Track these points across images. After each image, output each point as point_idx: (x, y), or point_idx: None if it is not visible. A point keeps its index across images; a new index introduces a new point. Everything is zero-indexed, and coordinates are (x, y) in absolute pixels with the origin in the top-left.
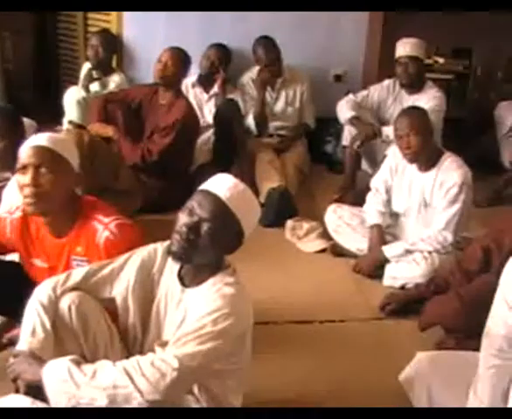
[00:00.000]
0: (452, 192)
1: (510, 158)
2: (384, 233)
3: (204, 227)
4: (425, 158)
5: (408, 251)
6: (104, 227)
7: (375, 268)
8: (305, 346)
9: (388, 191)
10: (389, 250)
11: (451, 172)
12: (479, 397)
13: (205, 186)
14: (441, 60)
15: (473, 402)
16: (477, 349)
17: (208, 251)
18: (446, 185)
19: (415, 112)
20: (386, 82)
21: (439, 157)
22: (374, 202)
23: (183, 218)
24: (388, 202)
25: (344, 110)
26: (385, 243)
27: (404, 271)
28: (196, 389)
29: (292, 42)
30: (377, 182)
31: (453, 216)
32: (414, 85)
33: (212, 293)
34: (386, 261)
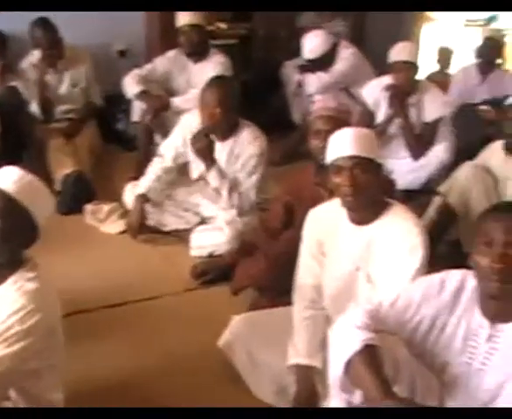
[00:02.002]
0: (250, 164)
1: (299, 115)
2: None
3: None
4: (224, 129)
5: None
6: None
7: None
8: (123, 328)
9: (175, 159)
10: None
11: (248, 144)
12: (296, 349)
13: None
14: (223, 25)
15: (291, 355)
16: (290, 304)
17: (2, 250)
18: (243, 156)
19: (221, 84)
20: (171, 53)
21: (235, 127)
22: (152, 170)
23: None
24: (172, 169)
25: (131, 85)
26: (145, 215)
27: (209, 239)
28: (13, 393)
29: (69, 20)
30: (165, 148)
31: (253, 186)
32: (198, 53)
33: (14, 292)
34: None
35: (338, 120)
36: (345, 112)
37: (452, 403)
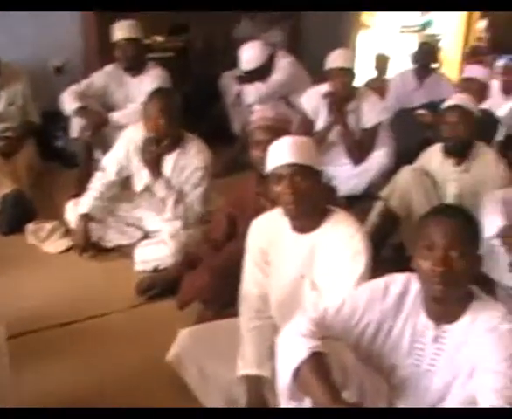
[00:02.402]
0: (195, 176)
1: (239, 126)
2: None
3: None
4: (170, 140)
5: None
6: None
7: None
8: (70, 347)
9: (119, 172)
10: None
11: (193, 156)
12: (245, 360)
13: None
14: (160, 38)
15: (240, 366)
16: (236, 315)
17: None
18: (188, 169)
19: (163, 95)
20: (108, 68)
21: (180, 139)
22: (93, 187)
23: None
24: (115, 183)
25: (68, 102)
26: (89, 234)
27: (153, 253)
28: None
29: (3, 37)
30: (108, 162)
31: (198, 198)
32: (136, 67)
33: None
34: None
35: (277, 130)
36: (284, 121)
37: (401, 405)
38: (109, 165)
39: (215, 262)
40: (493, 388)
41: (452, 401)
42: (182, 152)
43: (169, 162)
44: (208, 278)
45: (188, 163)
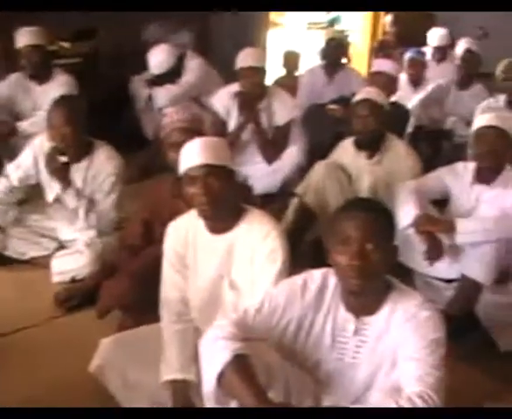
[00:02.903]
0: (107, 183)
1: (152, 130)
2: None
3: None
4: (76, 148)
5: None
6: None
7: None
8: None
9: (23, 179)
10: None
11: (103, 164)
12: (169, 365)
13: None
14: (66, 44)
15: (164, 371)
16: (157, 321)
17: None
18: (100, 177)
19: (67, 103)
20: (13, 76)
21: (89, 147)
22: None
23: None
24: (17, 190)
25: None
26: None
27: (70, 264)
28: None
29: None
30: (12, 169)
31: (111, 205)
32: (42, 75)
33: None
34: None
35: (193, 131)
36: (198, 121)
37: (328, 399)
38: (12, 171)
39: (132, 267)
40: (415, 376)
41: (377, 391)
42: (92, 160)
43: (79, 171)
44: (126, 284)
45: (98, 171)
